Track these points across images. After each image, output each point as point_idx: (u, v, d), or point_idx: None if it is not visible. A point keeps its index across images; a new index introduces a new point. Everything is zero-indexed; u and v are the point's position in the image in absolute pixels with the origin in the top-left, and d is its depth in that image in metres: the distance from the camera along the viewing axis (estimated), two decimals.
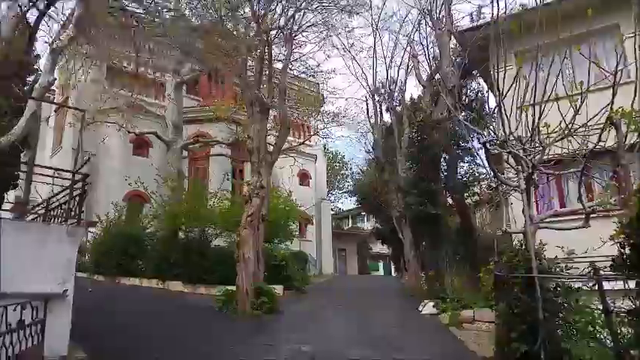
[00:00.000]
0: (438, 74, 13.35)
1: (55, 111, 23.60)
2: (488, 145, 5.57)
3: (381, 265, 53.16)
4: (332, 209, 42.08)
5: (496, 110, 5.71)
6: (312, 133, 27.30)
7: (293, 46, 13.09)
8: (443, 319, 9.72)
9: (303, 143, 27.90)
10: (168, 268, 14.69)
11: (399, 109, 17.93)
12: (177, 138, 18.94)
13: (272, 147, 12.71)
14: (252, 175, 11.45)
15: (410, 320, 10.38)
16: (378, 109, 17.68)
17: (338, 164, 43.90)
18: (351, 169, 41.55)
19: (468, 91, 14.92)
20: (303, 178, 31.61)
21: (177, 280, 14.67)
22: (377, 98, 17.76)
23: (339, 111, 20.91)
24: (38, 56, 18.81)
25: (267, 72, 12.57)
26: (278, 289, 14.23)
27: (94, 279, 15.37)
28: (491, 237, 24.82)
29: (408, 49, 16.47)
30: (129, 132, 18.82)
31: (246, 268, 10.65)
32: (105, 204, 18.52)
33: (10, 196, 11.85)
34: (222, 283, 12.11)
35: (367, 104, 18.17)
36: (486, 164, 6.22)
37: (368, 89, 17.72)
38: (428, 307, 10.78)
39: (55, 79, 14.25)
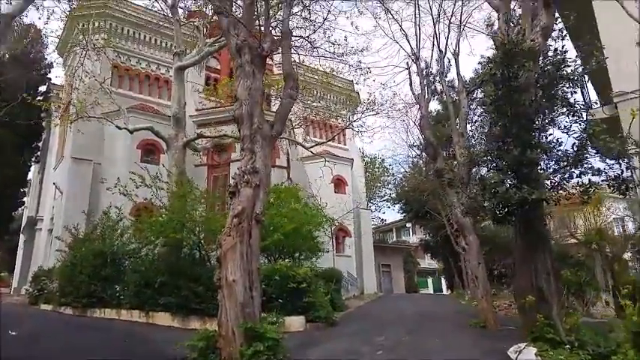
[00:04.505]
0: None
1: (60, 120, 21.35)
2: None
3: (429, 281, 48.40)
4: (373, 220, 37.81)
5: None
6: (344, 126, 23.46)
7: None
8: None
9: (333, 139, 24.25)
10: (152, 296, 11.16)
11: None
12: (178, 133, 15.58)
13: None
14: (242, 154, 7.68)
15: None
16: (424, 78, 13.51)
17: (378, 169, 39.57)
18: (392, 174, 37.20)
19: None
20: (339, 184, 27.80)
21: (165, 312, 11.11)
22: (422, 64, 13.65)
23: (375, 97, 17.25)
24: None
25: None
26: (296, 322, 10.45)
27: (59, 312, 12.01)
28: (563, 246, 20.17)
29: None
30: (119, 127, 15.73)
31: (230, 296, 6.85)
32: None
33: None
34: None
35: (409, 72, 14.14)
36: None
37: (410, 51, 13.67)
38: (527, 355, 6.47)
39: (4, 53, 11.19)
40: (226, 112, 20.29)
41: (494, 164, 7.37)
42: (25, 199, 29.57)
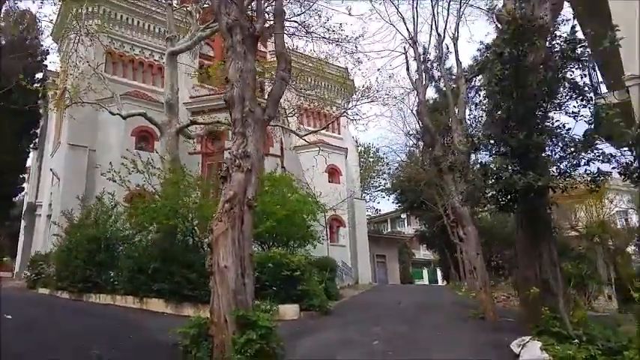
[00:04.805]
0: None
1: (55, 106, 20.93)
2: None
3: (425, 272, 48.45)
4: (367, 211, 37.60)
5: None
6: (338, 114, 23.10)
7: None
8: None
9: (327, 127, 23.86)
10: (145, 282, 10.93)
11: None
12: (171, 119, 15.24)
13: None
14: (234, 138, 7.37)
15: None
16: (421, 63, 13.18)
17: (372, 158, 39.20)
18: (387, 163, 36.87)
19: None
20: (333, 174, 27.53)
21: (158, 298, 10.89)
22: (419, 49, 13.30)
23: (371, 83, 16.96)
24: None
25: None
26: (290, 310, 10.25)
27: (56, 296, 11.77)
28: (563, 239, 20.01)
29: None
30: (112, 113, 15.37)
31: (222, 283, 6.59)
32: None
33: None
34: None
35: (406, 57, 13.76)
36: None
37: (408, 35, 13.27)
38: (531, 349, 6.27)
39: None
40: (220, 100, 19.79)
41: (498, 149, 7.08)
42: (24, 185, 29.80)
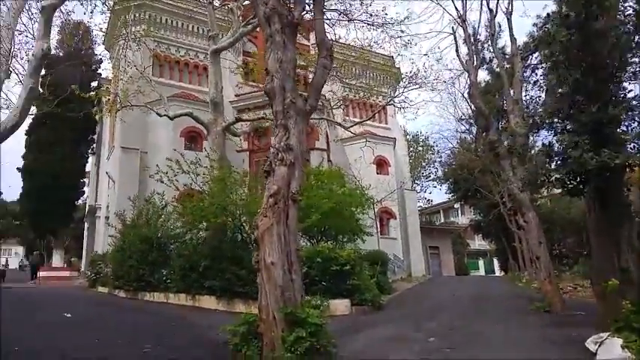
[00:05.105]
0: None
1: (108, 111, 21.95)
2: None
3: (481, 263, 46.65)
4: (418, 202, 36.59)
5: None
6: (385, 103, 22.41)
7: None
8: None
9: (373, 117, 23.24)
10: (197, 280, 11.09)
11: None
12: (217, 117, 15.40)
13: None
14: (275, 131, 7.15)
15: None
16: (472, 44, 12.37)
17: (422, 147, 37.98)
18: (438, 152, 35.60)
19: None
20: (381, 165, 26.97)
21: (210, 295, 11.01)
22: (469, 29, 12.49)
23: (418, 68, 16.25)
24: None
25: None
26: (341, 305, 9.99)
27: (113, 294, 12.22)
28: None
29: None
30: (159, 114, 15.78)
31: (269, 280, 6.41)
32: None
33: None
34: None
35: (455, 38, 12.95)
36: None
37: (456, 14, 12.48)
38: (610, 347, 5.60)
39: (49, 47, 11.33)
40: (264, 96, 19.86)
41: (563, 127, 6.34)
42: (85, 189, 31.52)
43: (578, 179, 6.10)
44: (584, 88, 5.88)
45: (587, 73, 5.80)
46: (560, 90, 6.76)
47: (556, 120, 6.57)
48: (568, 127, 6.25)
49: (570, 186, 6.31)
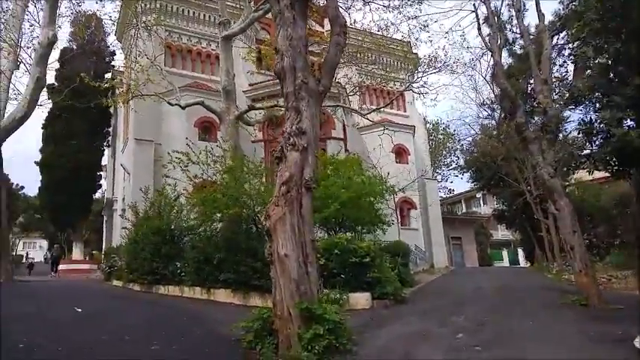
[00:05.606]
0: None
1: (123, 102, 21.83)
2: None
3: (504, 253, 45.58)
4: (439, 191, 35.75)
5: None
6: (403, 89, 21.70)
7: None
8: None
9: (391, 103, 22.49)
10: (211, 272, 10.76)
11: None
12: (229, 106, 14.99)
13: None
14: (287, 113, 6.66)
15: None
16: (495, 22, 11.61)
17: (442, 135, 36.98)
18: (459, 140, 34.55)
19: None
20: (400, 154, 26.32)
21: (225, 288, 10.68)
22: (492, 5, 11.71)
23: (437, 52, 15.56)
24: None
25: None
26: (362, 299, 9.54)
27: (128, 288, 12.02)
28: None
29: None
30: (170, 104, 15.46)
31: (283, 273, 5.99)
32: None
33: None
34: None
35: (477, 15, 12.18)
36: None
37: None
38: None
39: (55, 35, 11.10)
40: (278, 85, 19.43)
41: (606, 101, 5.66)
42: (102, 182, 31.57)
43: (623, 160, 5.43)
44: (625, 58, 5.19)
45: (628, 40, 5.10)
46: (598, 61, 6.04)
47: (596, 95, 5.87)
48: (610, 101, 5.55)
49: (614, 167, 5.64)
